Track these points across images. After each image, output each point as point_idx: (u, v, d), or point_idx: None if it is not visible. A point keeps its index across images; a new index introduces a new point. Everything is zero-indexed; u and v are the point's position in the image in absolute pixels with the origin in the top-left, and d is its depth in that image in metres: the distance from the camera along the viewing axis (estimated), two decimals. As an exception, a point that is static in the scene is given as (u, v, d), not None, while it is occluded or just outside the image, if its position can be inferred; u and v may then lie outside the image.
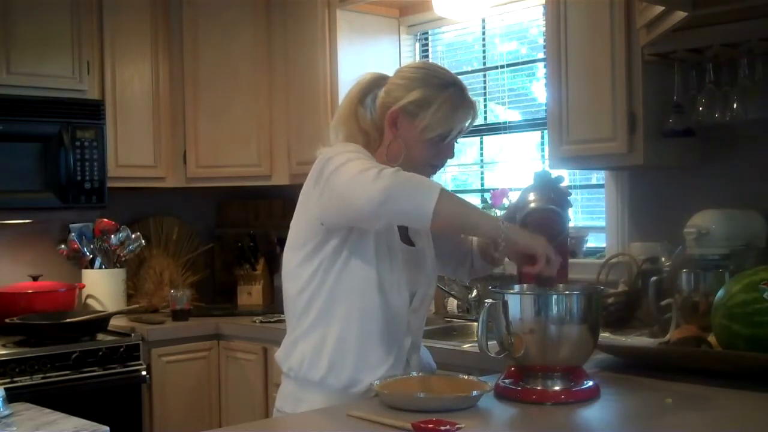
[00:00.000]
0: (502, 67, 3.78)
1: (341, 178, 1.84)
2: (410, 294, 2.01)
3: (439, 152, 2.01)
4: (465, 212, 1.85)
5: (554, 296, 1.84)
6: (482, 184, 3.92)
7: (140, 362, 3.48)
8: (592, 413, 1.84)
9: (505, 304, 1.82)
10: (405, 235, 2.06)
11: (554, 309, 1.82)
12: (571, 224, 2.58)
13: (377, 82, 2.06)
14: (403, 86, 1.99)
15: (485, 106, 3.91)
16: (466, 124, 2.00)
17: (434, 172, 2.06)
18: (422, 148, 1.98)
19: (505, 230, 1.81)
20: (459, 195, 1.96)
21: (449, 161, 2.08)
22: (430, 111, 1.95)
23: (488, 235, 1.86)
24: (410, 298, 2.01)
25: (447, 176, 4.10)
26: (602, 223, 3.24)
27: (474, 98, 2.04)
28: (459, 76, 2.07)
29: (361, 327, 1.93)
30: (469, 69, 3.96)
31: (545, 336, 1.82)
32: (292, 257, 1.99)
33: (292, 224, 2.02)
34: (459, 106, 1.97)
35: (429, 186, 1.79)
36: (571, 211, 2.09)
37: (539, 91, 3.71)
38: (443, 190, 1.79)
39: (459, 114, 1.97)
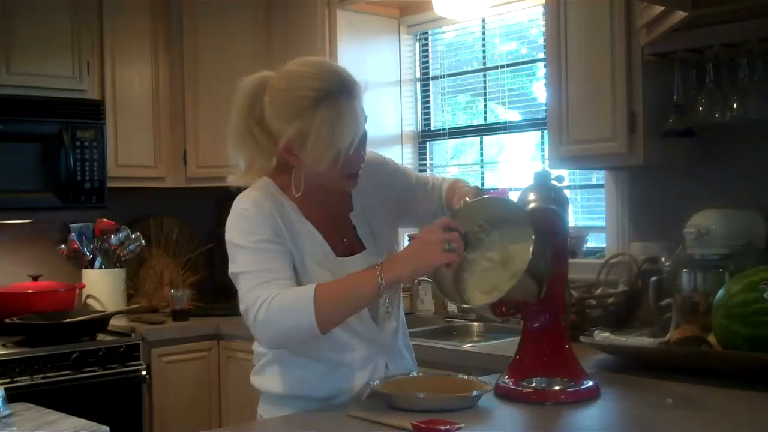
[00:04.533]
0: (502, 67, 3.78)
1: (238, 293, 1.84)
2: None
3: (347, 164, 1.83)
4: (344, 299, 1.79)
5: None
6: (482, 184, 3.91)
7: (140, 362, 3.48)
8: (592, 413, 1.84)
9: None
10: (356, 240, 1.98)
11: None
12: (570, 224, 2.57)
13: (261, 89, 1.87)
14: (279, 116, 1.82)
15: (485, 106, 3.91)
16: (357, 132, 1.80)
17: (354, 180, 1.90)
18: (326, 170, 1.82)
19: (383, 277, 1.74)
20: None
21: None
22: (309, 143, 1.77)
23: (375, 296, 1.78)
24: (373, 306, 1.94)
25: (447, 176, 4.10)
26: (602, 223, 3.24)
27: (350, 98, 1.79)
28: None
29: (327, 352, 1.91)
30: (469, 69, 3.96)
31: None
32: None
33: None
34: (336, 125, 1.77)
35: (302, 310, 1.74)
36: (570, 211, 2.08)
37: (539, 91, 3.71)
38: (316, 300, 1.73)
39: (339, 132, 1.77)
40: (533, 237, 1.75)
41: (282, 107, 1.82)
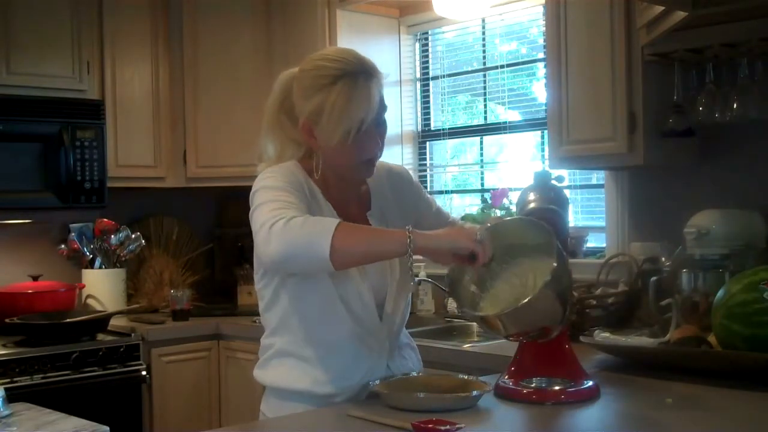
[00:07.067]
0: (502, 67, 3.78)
1: (253, 225, 1.82)
2: (378, 300, 1.96)
3: (361, 146, 1.87)
4: (364, 241, 1.75)
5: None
6: (482, 184, 3.92)
7: (140, 362, 3.48)
8: (592, 413, 1.84)
9: None
10: None
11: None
12: (570, 224, 2.57)
13: (291, 83, 1.95)
14: (301, 96, 1.89)
15: (485, 106, 3.91)
16: (370, 111, 1.84)
17: (371, 167, 1.93)
18: (342, 151, 1.86)
19: (413, 240, 1.70)
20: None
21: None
22: (323, 119, 1.83)
23: (399, 252, 1.74)
24: (380, 303, 1.96)
25: (447, 176, 4.10)
26: (602, 223, 3.24)
27: (368, 80, 1.84)
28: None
29: (332, 343, 1.92)
30: (469, 69, 3.96)
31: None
32: (255, 276, 2.01)
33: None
34: (350, 100, 1.82)
35: (322, 231, 1.70)
36: (570, 211, 2.08)
37: (539, 91, 3.71)
38: (338, 228, 1.69)
39: (352, 107, 1.81)
40: (554, 265, 1.73)
41: (304, 87, 1.88)
